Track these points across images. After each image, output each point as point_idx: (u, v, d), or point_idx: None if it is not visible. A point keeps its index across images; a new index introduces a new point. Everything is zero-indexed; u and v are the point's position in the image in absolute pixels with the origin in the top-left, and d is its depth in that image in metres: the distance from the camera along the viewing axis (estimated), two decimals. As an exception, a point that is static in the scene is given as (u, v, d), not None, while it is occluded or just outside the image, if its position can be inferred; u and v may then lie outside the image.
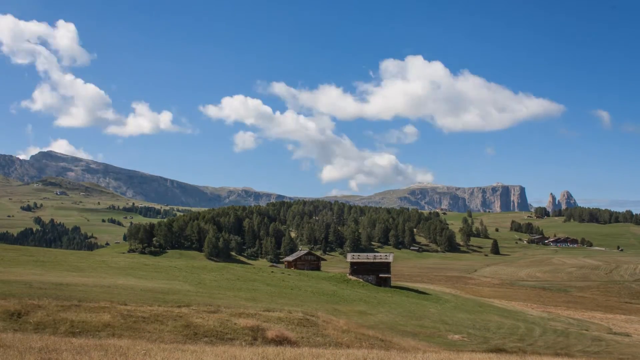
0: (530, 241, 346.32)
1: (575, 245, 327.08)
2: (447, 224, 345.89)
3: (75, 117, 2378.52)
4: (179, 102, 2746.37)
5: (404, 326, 52.41)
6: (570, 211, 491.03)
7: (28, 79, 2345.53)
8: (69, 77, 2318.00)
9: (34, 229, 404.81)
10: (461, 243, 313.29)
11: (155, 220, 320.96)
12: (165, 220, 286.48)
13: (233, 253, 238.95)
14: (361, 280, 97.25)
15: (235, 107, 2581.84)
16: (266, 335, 27.93)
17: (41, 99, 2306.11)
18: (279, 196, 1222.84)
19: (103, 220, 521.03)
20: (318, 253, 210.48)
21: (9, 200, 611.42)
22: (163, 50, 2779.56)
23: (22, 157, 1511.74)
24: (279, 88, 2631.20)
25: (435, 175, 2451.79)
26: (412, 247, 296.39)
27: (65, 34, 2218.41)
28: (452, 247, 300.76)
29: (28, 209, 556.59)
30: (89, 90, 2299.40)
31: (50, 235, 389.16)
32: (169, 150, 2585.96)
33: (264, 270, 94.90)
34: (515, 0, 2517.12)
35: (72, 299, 30.25)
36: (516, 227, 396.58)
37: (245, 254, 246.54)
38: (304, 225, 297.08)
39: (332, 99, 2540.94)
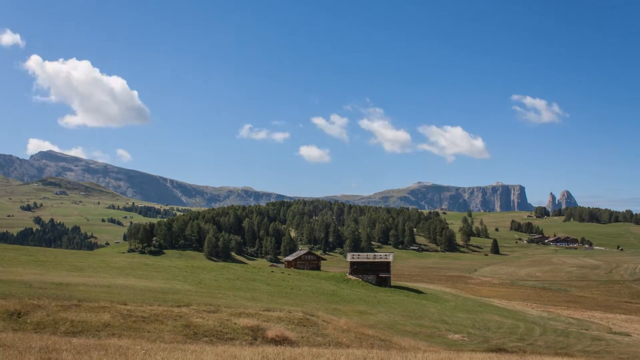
0: (530, 241, 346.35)
1: (575, 245, 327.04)
2: (447, 224, 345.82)
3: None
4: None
5: (404, 326, 52.40)
6: (570, 211, 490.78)
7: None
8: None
9: (34, 229, 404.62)
10: (461, 243, 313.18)
11: (155, 220, 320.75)
12: (165, 220, 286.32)
13: (233, 253, 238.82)
14: (361, 280, 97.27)
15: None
16: (266, 335, 27.91)
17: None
18: (279, 196, 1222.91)
19: (103, 220, 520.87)
20: (318, 253, 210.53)
21: (8, 200, 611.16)
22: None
23: (21, 156, 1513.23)
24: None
25: (435, 175, 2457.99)
26: (412, 247, 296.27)
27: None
28: (452, 246, 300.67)
29: (28, 208, 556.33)
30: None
31: (50, 235, 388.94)
32: (170, 150, 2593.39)
33: (264, 270, 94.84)
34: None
35: (72, 298, 30.22)
36: (516, 227, 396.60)
37: (245, 254, 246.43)
38: (304, 225, 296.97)
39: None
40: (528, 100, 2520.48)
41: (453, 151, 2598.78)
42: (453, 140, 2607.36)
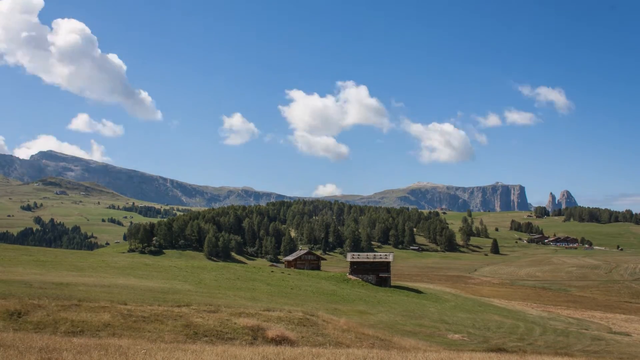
0: (530, 241, 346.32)
1: (575, 245, 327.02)
2: (447, 224, 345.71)
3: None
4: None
5: (404, 325, 52.42)
6: (570, 210, 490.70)
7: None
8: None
9: (34, 229, 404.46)
10: (461, 243, 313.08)
11: (155, 220, 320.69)
12: (165, 220, 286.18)
13: (233, 253, 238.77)
14: (361, 279, 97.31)
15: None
16: (266, 334, 27.92)
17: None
18: (279, 196, 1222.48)
19: (103, 220, 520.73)
20: (318, 253, 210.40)
21: (9, 200, 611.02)
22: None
23: (22, 156, 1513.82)
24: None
25: (434, 175, 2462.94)
26: (412, 247, 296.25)
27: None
28: (452, 246, 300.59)
29: (28, 208, 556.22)
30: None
31: (50, 235, 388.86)
32: (168, 149, 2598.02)
33: (264, 270, 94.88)
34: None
35: (72, 298, 30.24)
36: (516, 227, 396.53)
37: (245, 254, 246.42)
38: (304, 225, 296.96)
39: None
40: (529, 99, 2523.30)
41: (453, 149, 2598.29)
42: (453, 138, 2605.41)
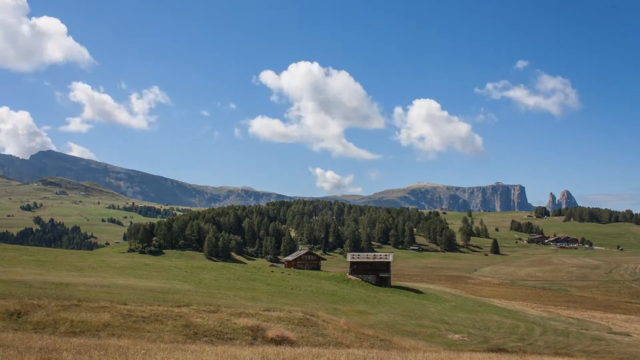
0: (530, 241, 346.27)
1: (575, 245, 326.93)
2: (447, 224, 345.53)
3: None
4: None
5: (404, 326, 52.40)
6: (570, 210, 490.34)
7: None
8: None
9: (34, 229, 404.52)
10: (461, 243, 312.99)
11: (155, 220, 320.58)
12: (165, 220, 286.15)
13: (233, 253, 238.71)
14: (361, 280, 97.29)
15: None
16: (266, 335, 27.89)
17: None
18: (279, 196, 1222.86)
19: (103, 220, 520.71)
20: (318, 253, 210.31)
21: (8, 200, 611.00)
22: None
23: (21, 156, 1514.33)
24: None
25: (435, 175, 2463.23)
26: (412, 247, 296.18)
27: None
28: (452, 246, 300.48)
29: (28, 208, 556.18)
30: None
31: (50, 235, 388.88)
32: (169, 149, 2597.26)
33: (264, 270, 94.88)
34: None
35: (72, 298, 30.21)
36: (516, 227, 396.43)
37: (245, 254, 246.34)
38: (304, 225, 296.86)
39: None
40: (529, 98, 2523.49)
41: (452, 149, 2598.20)
42: (452, 137, 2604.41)
